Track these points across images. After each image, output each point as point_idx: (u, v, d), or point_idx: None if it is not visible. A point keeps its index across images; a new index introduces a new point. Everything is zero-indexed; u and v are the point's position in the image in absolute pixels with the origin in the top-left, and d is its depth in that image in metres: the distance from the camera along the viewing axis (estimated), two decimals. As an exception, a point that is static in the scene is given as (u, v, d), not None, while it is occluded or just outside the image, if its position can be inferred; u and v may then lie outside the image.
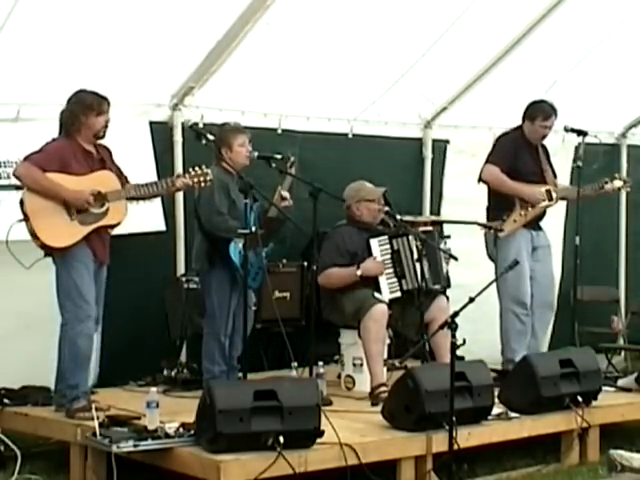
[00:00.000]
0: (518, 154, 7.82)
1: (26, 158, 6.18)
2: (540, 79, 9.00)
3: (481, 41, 8.40)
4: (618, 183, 8.27)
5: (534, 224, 7.92)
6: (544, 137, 7.94)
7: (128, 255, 7.52)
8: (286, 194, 7.03)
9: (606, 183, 8.17)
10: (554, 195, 7.85)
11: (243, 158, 6.95)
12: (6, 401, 6.56)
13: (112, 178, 6.34)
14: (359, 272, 7.19)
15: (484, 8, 7.95)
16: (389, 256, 7.30)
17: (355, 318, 7.12)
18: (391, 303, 7.22)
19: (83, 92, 6.29)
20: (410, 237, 7.27)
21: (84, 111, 6.23)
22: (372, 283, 7.24)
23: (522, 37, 8.45)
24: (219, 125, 7.28)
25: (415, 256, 7.22)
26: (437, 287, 7.36)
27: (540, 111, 7.84)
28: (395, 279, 7.28)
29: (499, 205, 7.85)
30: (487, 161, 7.86)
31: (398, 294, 7.27)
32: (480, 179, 7.89)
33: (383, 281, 7.26)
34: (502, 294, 7.81)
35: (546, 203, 7.84)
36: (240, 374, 6.75)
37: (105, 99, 6.31)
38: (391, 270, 7.29)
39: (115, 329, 7.38)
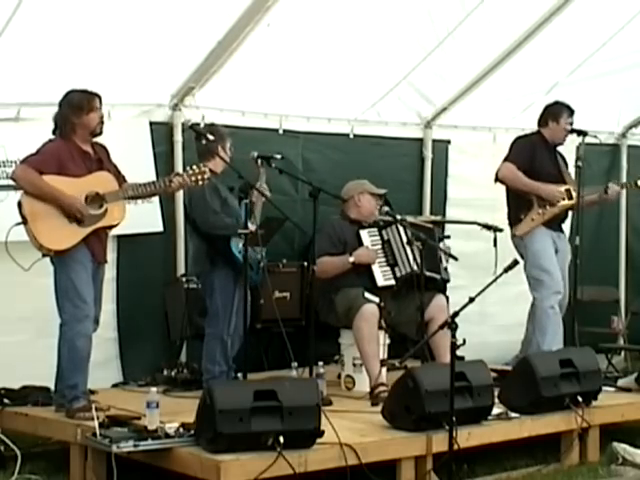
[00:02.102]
0: (536, 155, 7.82)
1: (23, 161, 6.18)
2: (541, 80, 9.00)
3: (482, 43, 8.40)
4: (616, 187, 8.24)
5: (555, 225, 7.92)
6: (566, 137, 7.92)
7: (128, 255, 7.54)
8: (265, 186, 7.02)
9: (607, 188, 8.15)
10: (574, 194, 7.82)
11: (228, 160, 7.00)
12: (6, 401, 6.56)
13: (110, 179, 6.33)
14: (351, 259, 7.25)
15: (487, 10, 7.95)
16: (380, 246, 7.37)
17: (347, 318, 7.15)
18: (386, 296, 7.25)
19: (72, 92, 6.28)
20: (399, 226, 7.31)
21: (74, 112, 6.22)
22: (365, 272, 7.28)
23: (524, 40, 8.43)
24: (210, 125, 7.30)
25: (405, 240, 7.26)
26: (433, 275, 7.36)
27: (563, 109, 7.89)
28: (388, 267, 7.33)
29: (518, 206, 7.86)
30: (504, 160, 7.86)
31: (392, 282, 7.33)
32: (497, 179, 7.87)
33: (376, 269, 7.32)
34: (539, 292, 7.80)
35: (565, 202, 7.82)
36: (239, 374, 6.75)
37: (95, 95, 6.29)
38: (383, 260, 7.34)
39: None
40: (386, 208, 7.57)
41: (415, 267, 7.23)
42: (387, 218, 7.48)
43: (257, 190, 6.83)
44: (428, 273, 7.33)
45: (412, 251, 7.24)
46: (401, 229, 7.34)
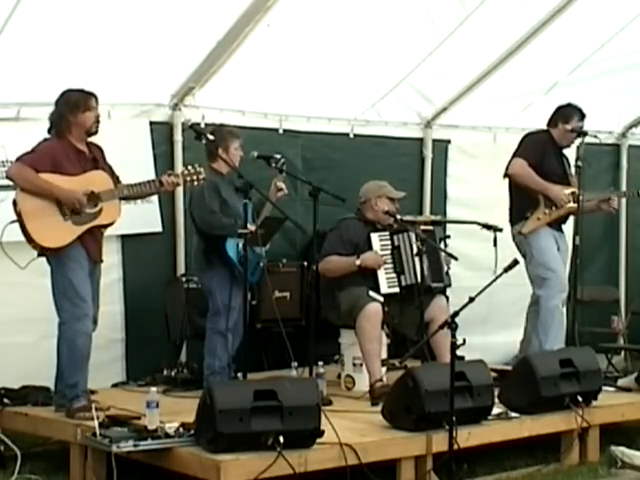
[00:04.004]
0: (545, 153, 7.80)
1: (18, 159, 6.18)
2: (541, 80, 9.00)
3: (483, 44, 8.39)
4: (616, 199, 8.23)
5: (556, 225, 7.90)
6: (573, 140, 7.91)
7: (128, 255, 7.54)
8: (281, 185, 7.05)
9: (609, 199, 8.13)
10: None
11: (236, 161, 7.01)
12: (6, 401, 6.56)
13: (105, 178, 6.32)
14: (358, 262, 7.22)
15: (487, 11, 7.94)
16: (389, 252, 7.34)
17: (350, 316, 7.14)
18: (390, 301, 7.23)
19: (69, 91, 6.28)
20: (411, 234, 7.29)
21: (71, 110, 6.22)
22: (370, 276, 7.27)
23: (524, 40, 8.43)
24: (216, 125, 7.31)
25: (415, 251, 7.23)
26: (436, 285, 7.36)
27: (575, 112, 7.85)
28: (394, 274, 7.31)
29: (522, 204, 7.82)
30: (514, 155, 7.82)
31: (396, 289, 7.30)
32: (506, 174, 7.84)
33: (382, 275, 7.29)
34: (545, 290, 7.77)
35: (571, 205, 7.79)
36: (239, 374, 6.74)
37: (91, 94, 6.29)
38: (390, 265, 7.32)
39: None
40: (385, 208, 7.54)
41: (420, 279, 7.20)
42: (390, 218, 7.45)
43: (258, 191, 6.82)
44: (433, 285, 7.33)
45: (421, 264, 7.20)
46: (413, 237, 7.30)
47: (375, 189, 7.49)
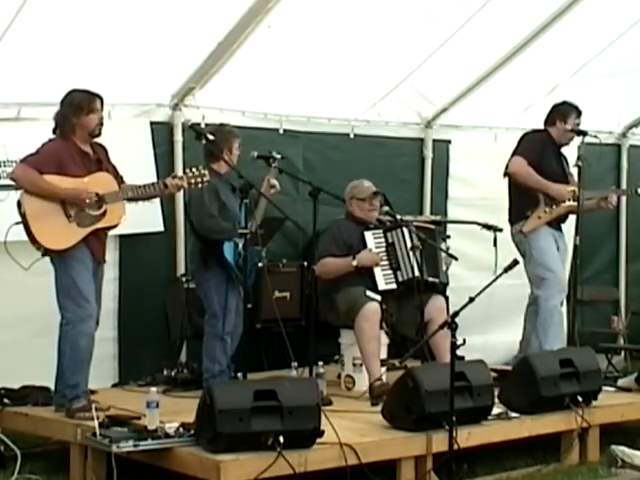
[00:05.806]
0: (545, 152, 7.79)
1: (22, 160, 6.18)
2: (542, 82, 9.00)
3: (484, 45, 8.39)
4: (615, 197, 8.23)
5: (556, 225, 7.90)
6: (572, 138, 7.90)
7: (128, 255, 7.54)
8: (274, 182, 7.05)
9: (606, 198, 8.12)
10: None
11: (236, 161, 7.00)
12: (6, 401, 6.56)
13: (109, 180, 6.33)
14: (355, 262, 7.23)
15: (489, 13, 7.94)
16: (384, 249, 7.35)
17: (348, 317, 7.14)
18: (387, 298, 7.24)
19: (74, 92, 6.27)
20: (404, 229, 7.30)
21: (75, 112, 6.21)
22: (368, 274, 7.28)
23: (525, 43, 8.43)
24: (216, 125, 7.30)
25: (409, 245, 7.24)
26: (433, 280, 7.36)
27: (572, 110, 7.85)
28: (390, 271, 7.32)
29: (522, 203, 7.80)
30: (514, 154, 7.81)
31: (394, 285, 7.31)
32: (506, 173, 7.83)
33: (378, 272, 7.30)
34: (544, 290, 7.76)
35: (571, 203, 7.78)
36: (239, 374, 6.75)
37: (97, 96, 6.28)
38: (386, 262, 7.32)
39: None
40: (386, 208, 7.57)
41: (417, 273, 7.21)
42: (389, 218, 7.47)
43: (258, 191, 6.82)
44: (430, 279, 7.33)
45: (415, 256, 7.22)
46: (406, 232, 7.30)
47: (347, 191, 7.51)
